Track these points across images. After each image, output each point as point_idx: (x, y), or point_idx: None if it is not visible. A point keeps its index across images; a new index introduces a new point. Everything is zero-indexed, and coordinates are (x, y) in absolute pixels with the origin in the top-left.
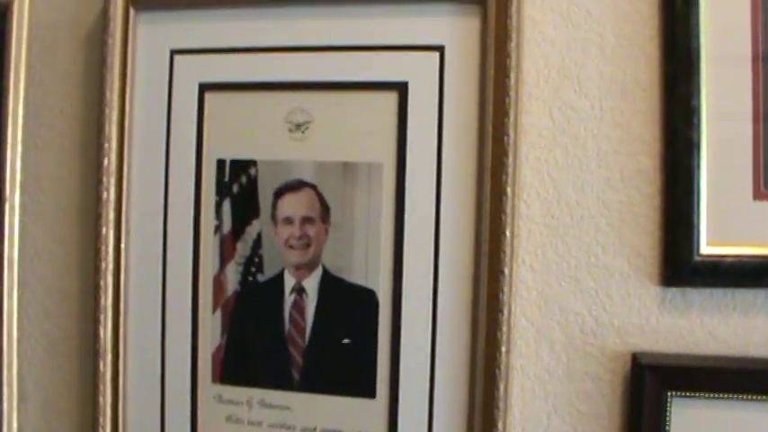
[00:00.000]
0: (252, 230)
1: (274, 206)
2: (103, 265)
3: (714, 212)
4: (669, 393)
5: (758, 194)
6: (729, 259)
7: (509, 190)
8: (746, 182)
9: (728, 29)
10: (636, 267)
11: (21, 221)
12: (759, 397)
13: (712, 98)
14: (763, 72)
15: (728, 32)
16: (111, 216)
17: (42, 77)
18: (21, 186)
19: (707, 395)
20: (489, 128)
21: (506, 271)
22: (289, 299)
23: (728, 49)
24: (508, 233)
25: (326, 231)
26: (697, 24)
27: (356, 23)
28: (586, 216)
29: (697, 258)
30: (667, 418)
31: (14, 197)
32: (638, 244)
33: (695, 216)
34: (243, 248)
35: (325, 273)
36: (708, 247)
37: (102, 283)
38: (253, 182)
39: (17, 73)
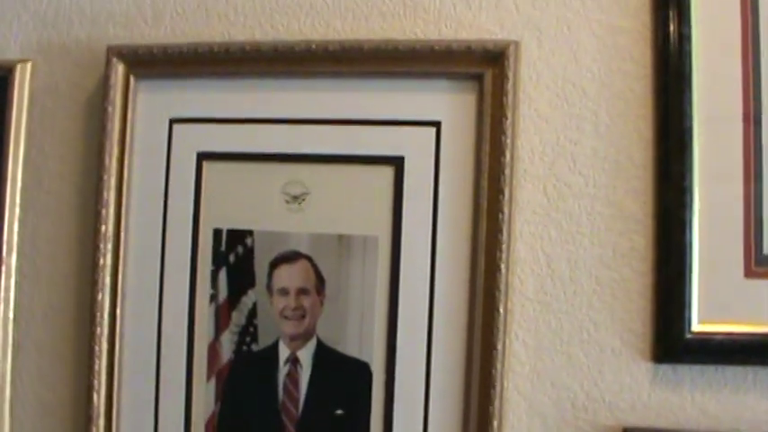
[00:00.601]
0: (247, 300)
1: (270, 277)
2: (98, 331)
3: (706, 290)
4: None
5: (749, 273)
6: (720, 337)
7: (503, 266)
8: (738, 260)
9: (721, 100)
10: (628, 344)
11: (17, 284)
12: None
13: (705, 172)
14: (754, 138)
15: (721, 104)
16: (108, 282)
17: (42, 142)
18: (18, 249)
19: None
20: (484, 204)
21: (499, 346)
22: (283, 369)
23: (721, 117)
24: (501, 309)
25: (321, 303)
26: (690, 104)
27: (354, 98)
28: (579, 292)
29: (688, 336)
30: None
31: (11, 260)
32: (630, 321)
33: (687, 294)
34: (238, 318)
35: (320, 344)
36: (699, 324)
37: (96, 348)
38: (249, 252)
39: (17, 137)
